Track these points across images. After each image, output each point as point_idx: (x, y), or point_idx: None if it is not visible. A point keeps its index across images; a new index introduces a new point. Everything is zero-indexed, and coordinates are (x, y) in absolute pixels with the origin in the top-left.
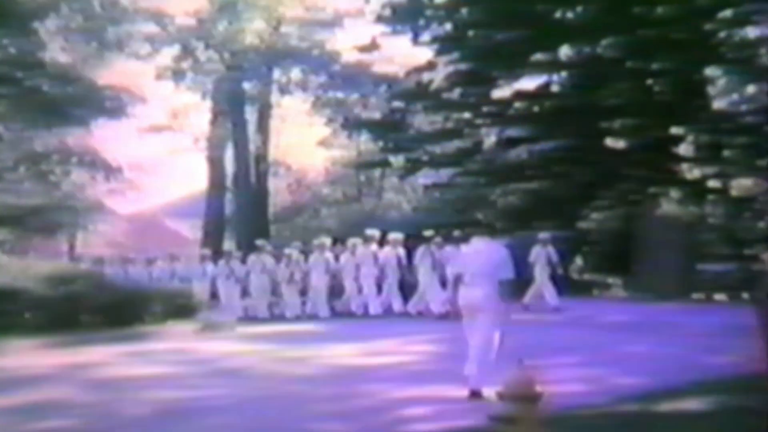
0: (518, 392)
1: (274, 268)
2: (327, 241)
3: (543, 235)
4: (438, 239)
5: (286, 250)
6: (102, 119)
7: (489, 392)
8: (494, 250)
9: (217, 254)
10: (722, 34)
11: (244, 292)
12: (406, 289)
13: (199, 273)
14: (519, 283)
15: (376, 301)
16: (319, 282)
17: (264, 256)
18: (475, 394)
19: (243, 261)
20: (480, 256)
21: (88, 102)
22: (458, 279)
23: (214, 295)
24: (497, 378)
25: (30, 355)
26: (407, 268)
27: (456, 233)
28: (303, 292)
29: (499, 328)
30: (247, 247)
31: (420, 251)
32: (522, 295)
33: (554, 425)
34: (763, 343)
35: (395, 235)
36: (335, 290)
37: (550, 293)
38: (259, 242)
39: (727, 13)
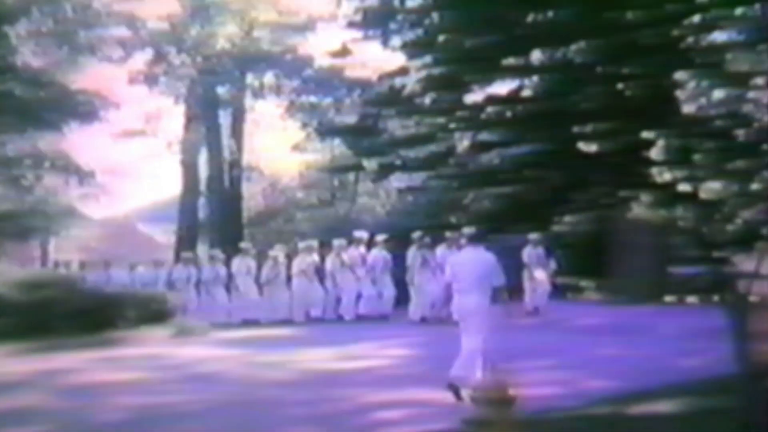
0: (492, 396)
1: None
2: (314, 243)
3: (533, 236)
4: (426, 240)
5: (271, 253)
6: (75, 124)
7: (467, 393)
8: (483, 258)
9: (189, 259)
10: (691, 39)
11: (229, 296)
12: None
13: (183, 277)
14: (512, 288)
15: (369, 303)
16: (309, 284)
17: (248, 259)
18: (456, 393)
19: (227, 264)
20: (470, 264)
21: (60, 106)
22: (449, 287)
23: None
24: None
25: (2, 362)
26: (395, 270)
27: (449, 234)
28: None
29: (489, 332)
30: (222, 252)
31: (411, 253)
32: (517, 299)
33: (528, 428)
34: (734, 345)
35: (382, 237)
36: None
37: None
38: (243, 245)
39: (695, 18)
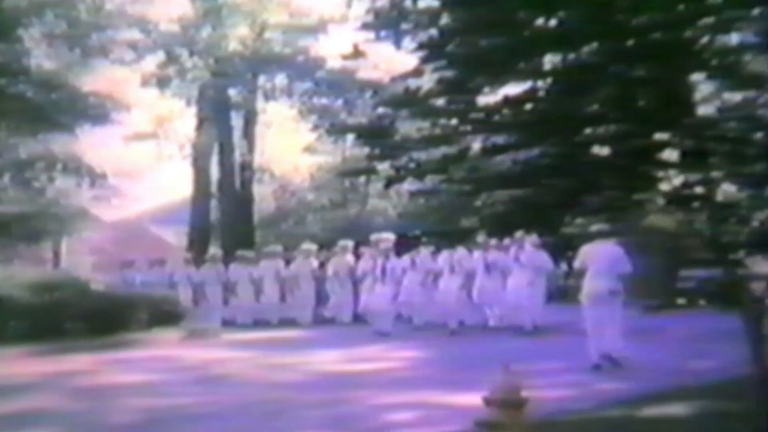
0: (504, 398)
1: (316, 272)
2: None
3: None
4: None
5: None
6: (87, 126)
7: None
8: (612, 248)
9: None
10: (705, 41)
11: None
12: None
13: (214, 277)
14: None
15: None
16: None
17: (277, 260)
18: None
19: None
20: (600, 253)
21: (72, 109)
22: (581, 273)
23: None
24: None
25: (14, 364)
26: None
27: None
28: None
29: (619, 311)
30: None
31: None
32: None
33: (540, 431)
34: (747, 348)
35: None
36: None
37: None
38: (271, 248)
39: (709, 20)
